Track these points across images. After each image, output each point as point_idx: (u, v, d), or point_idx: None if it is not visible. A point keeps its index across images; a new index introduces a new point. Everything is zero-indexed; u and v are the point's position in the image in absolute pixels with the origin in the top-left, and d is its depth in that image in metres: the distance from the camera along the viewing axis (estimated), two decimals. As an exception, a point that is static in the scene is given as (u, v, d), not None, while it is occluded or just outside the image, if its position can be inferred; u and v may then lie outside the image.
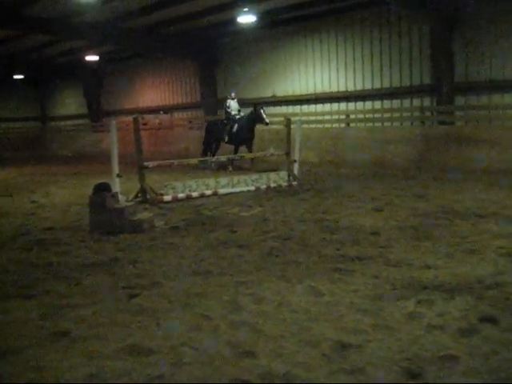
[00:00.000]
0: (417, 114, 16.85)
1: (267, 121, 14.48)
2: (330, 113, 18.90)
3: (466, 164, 13.34)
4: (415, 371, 3.17)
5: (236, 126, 15.52)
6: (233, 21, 18.41)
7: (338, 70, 18.96)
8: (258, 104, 15.70)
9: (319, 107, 19.69)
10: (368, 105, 18.34)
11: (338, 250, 5.93)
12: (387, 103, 17.82)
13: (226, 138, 15.74)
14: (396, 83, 17.47)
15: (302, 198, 9.81)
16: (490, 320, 3.83)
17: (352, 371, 3.18)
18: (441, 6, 15.23)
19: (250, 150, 15.21)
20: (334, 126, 18.33)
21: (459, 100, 15.98)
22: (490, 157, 13.20)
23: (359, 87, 18.47)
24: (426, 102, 16.82)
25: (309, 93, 19.84)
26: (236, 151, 15.51)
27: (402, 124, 17.01)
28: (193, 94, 24.86)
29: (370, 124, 17.61)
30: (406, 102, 17.35)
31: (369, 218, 7.71)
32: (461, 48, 15.57)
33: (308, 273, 5.08)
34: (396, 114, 17.16)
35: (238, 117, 15.90)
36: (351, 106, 18.78)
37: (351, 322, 3.90)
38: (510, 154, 12.92)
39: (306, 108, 20.03)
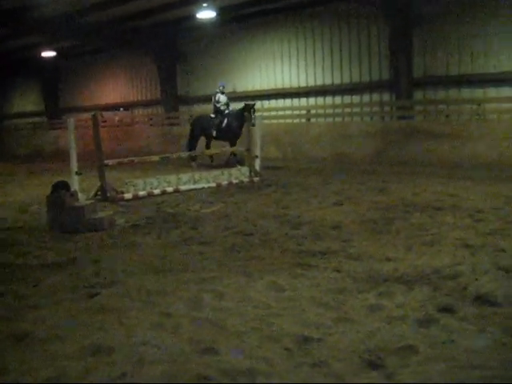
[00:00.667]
0: (376, 108, 17.07)
1: (254, 122, 13.26)
2: (291, 108, 18.99)
3: (424, 157, 13.61)
4: (376, 362, 3.21)
5: (226, 121, 14.91)
6: (192, 16, 18.29)
7: (298, 65, 19.05)
8: (249, 102, 15.10)
9: (280, 102, 19.75)
10: (328, 100, 18.48)
11: (299, 244, 5.96)
12: (347, 98, 18.00)
13: (215, 133, 15.09)
14: (356, 79, 17.66)
15: (264, 193, 9.84)
16: (448, 310, 3.92)
17: (314, 364, 3.20)
18: (399, 3, 15.46)
19: (232, 145, 14.79)
20: (295, 121, 18.42)
21: (417, 95, 16.26)
22: (447, 150, 13.47)
23: (319, 83, 18.59)
24: (386, 97, 17.05)
25: (269, 88, 19.88)
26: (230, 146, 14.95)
27: (362, 119, 17.21)
28: (153, 91, 24.63)
29: (331, 119, 17.75)
30: (366, 97, 17.56)
31: (330, 212, 7.78)
32: (419, 44, 15.84)
33: (270, 268, 5.10)
34: (356, 109, 17.34)
35: (226, 111, 15.27)
36: (312, 101, 18.90)
37: (313, 315, 3.92)
38: (466, 147, 13.22)
39: (266, 103, 20.07)
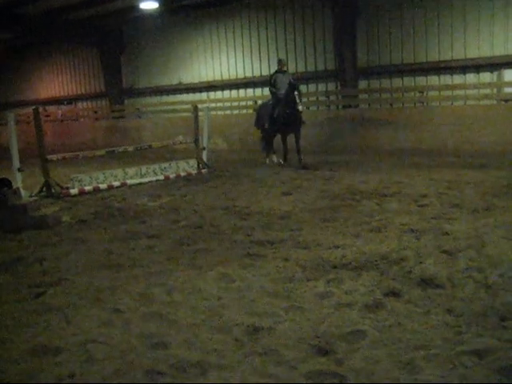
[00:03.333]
0: (322, 98, 17.21)
1: (300, 107, 11.26)
2: (238, 99, 18.95)
3: (370, 145, 13.83)
4: (325, 348, 3.26)
5: (278, 109, 12.06)
6: (136, 7, 17.98)
7: (243, 55, 19.00)
8: (294, 80, 12.34)
9: (226, 93, 19.67)
10: (275, 90, 18.51)
11: (248, 235, 5.97)
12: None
13: (266, 125, 12.40)
14: (301, 68, 17.75)
15: (212, 185, 9.81)
16: (394, 294, 4.02)
17: (264, 353, 3.23)
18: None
19: (297, 143, 11.88)
20: (242, 112, 18.40)
21: (362, 84, 16.48)
22: (392, 138, 13.74)
23: (265, 73, 18.59)
24: (331, 86, 17.20)
25: (216, 79, 19.77)
26: (283, 141, 12.28)
27: (308, 108, 17.30)
28: (97, 84, 24.12)
29: (278, 109, 17.79)
30: (312, 87, 17.67)
31: (278, 202, 7.82)
32: (363, 34, 16.04)
33: (219, 260, 5.09)
34: (302, 99, 17.41)
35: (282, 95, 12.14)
36: (258, 91, 18.90)
37: (263, 305, 3.95)
38: (410, 134, 13.50)
39: (213, 95, 19.97)
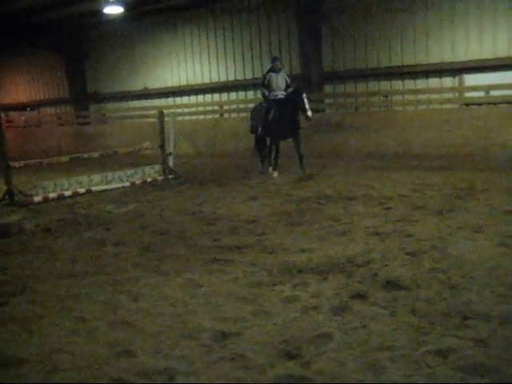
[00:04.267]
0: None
1: (309, 113, 10.25)
2: (204, 104, 18.92)
3: (336, 149, 13.93)
4: (293, 352, 3.28)
5: (273, 113, 10.97)
6: (100, 12, 17.79)
7: (209, 60, 18.98)
8: (299, 83, 11.81)
9: (193, 99, 19.62)
10: (241, 95, 18.56)
11: (215, 240, 5.97)
12: (260, 93, 18.10)
13: (260, 130, 11.25)
14: (267, 73, 17.81)
15: (179, 190, 9.76)
16: (360, 296, 4.06)
17: (232, 359, 3.22)
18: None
19: (297, 148, 10.95)
20: (208, 117, 18.36)
21: (328, 88, 16.62)
22: (357, 142, 13.87)
23: (231, 78, 18.62)
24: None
25: (182, 84, 19.71)
26: (276, 148, 11.09)
27: (274, 113, 17.39)
28: (61, 89, 23.77)
29: (244, 114, 17.83)
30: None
31: (245, 207, 7.83)
32: (328, 38, 16.18)
33: (186, 265, 5.07)
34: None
35: (280, 96, 11.07)
36: (224, 96, 18.91)
37: (230, 310, 3.94)
38: (375, 138, 13.66)
39: (179, 100, 19.90)
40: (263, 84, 11.25)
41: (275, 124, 10.83)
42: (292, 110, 10.50)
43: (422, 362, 3.05)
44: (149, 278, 4.79)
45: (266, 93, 11.18)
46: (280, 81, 11.12)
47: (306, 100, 10.17)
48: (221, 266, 5.01)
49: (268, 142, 11.45)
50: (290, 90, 10.94)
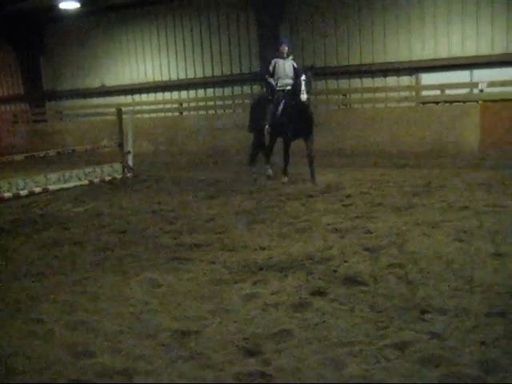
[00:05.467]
0: (247, 101, 17.29)
1: (303, 96, 8.52)
2: (163, 102, 18.77)
3: (296, 147, 13.94)
4: (253, 349, 3.28)
5: (282, 106, 9.34)
6: (56, 7, 17.44)
7: (169, 58, 18.84)
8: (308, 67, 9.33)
9: (152, 96, 19.44)
10: (201, 93, 18.48)
11: (175, 239, 5.93)
12: (219, 91, 18.10)
13: (268, 128, 9.60)
14: (227, 71, 17.79)
15: (138, 189, 9.66)
16: (320, 293, 4.09)
17: (192, 357, 3.21)
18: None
19: (309, 147, 9.40)
20: (167, 115, 18.23)
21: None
22: (317, 139, 13.92)
23: (191, 75, 18.52)
24: (256, 89, 17.33)
25: (141, 82, 19.49)
26: (286, 149, 9.53)
27: (234, 111, 17.39)
28: (15, 86, 23.20)
29: (204, 112, 17.77)
30: (237, 90, 17.75)
31: (205, 205, 7.80)
32: (287, 34, 16.21)
33: (145, 265, 5.02)
34: (228, 101, 17.48)
35: (290, 87, 9.36)
36: (184, 94, 18.80)
37: (190, 309, 3.93)
38: (335, 136, 13.77)
39: (138, 97, 19.69)
40: (268, 72, 9.66)
41: (286, 120, 9.12)
42: (303, 103, 8.69)
43: (381, 355, 3.10)
44: (108, 277, 4.73)
45: (273, 82, 9.59)
46: (288, 68, 9.56)
47: (303, 82, 8.50)
48: (180, 264, 4.98)
49: (268, 142, 10.03)
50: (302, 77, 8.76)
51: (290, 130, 9.17)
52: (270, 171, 10.03)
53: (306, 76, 8.60)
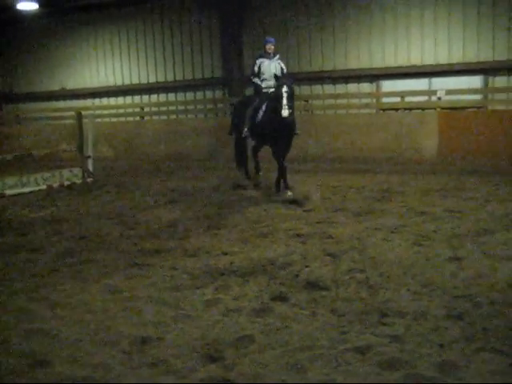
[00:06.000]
0: (210, 106, 17.28)
1: (285, 112, 7.62)
2: (124, 106, 18.58)
3: (259, 153, 14.01)
4: (215, 355, 3.26)
5: (263, 110, 8.57)
6: (13, 8, 17.09)
7: (130, 62, 18.68)
8: (286, 76, 8.67)
9: (113, 100, 19.22)
10: (162, 97, 18.36)
11: (135, 244, 5.86)
12: (181, 95, 18.02)
13: (245, 131, 8.88)
14: (189, 76, 17.73)
15: (98, 194, 9.52)
16: (282, 298, 4.10)
17: (153, 364, 3.17)
18: (228, 2, 15.80)
19: (281, 157, 8.45)
20: (128, 119, 18.05)
21: (249, 92, 16.69)
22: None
23: (153, 80, 18.39)
24: (219, 94, 17.34)
25: (101, 86, 19.25)
26: (255, 153, 9.51)
27: (196, 116, 17.34)
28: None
29: (165, 117, 17.66)
30: (200, 95, 17.71)
31: (166, 210, 7.74)
32: (249, 43, 16.30)
33: (105, 271, 4.95)
34: (190, 107, 17.42)
35: (271, 91, 8.61)
36: (145, 98, 18.65)
37: (151, 315, 3.88)
38: (296, 142, 13.81)
39: (98, 101, 19.44)
40: (253, 72, 8.96)
41: (265, 124, 8.40)
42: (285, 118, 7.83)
43: (342, 359, 3.12)
44: (66, 284, 4.64)
45: (259, 82, 8.89)
46: (274, 69, 8.86)
47: (285, 95, 7.66)
48: (141, 270, 4.93)
49: (250, 146, 9.50)
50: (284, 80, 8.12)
51: (269, 138, 8.47)
52: (246, 181, 9.40)
53: (289, 88, 7.75)
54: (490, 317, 3.64)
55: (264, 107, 8.53)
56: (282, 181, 8.40)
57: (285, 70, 8.98)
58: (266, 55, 8.96)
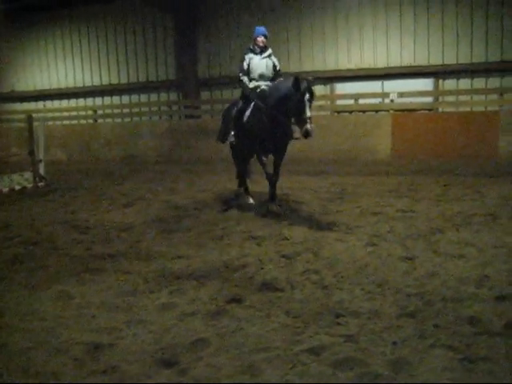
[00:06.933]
0: (165, 108, 17.16)
1: (309, 126, 6.10)
2: (77, 109, 18.26)
3: (213, 156, 14.00)
4: (169, 360, 3.22)
5: (249, 112, 7.32)
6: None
7: (83, 64, 18.40)
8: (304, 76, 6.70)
9: (65, 103, 18.88)
10: (116, 100, 18.15)
11: (88, 249, 5.74)
12: (135, 98, 17.85)
13: (231, 136, 7.70)
14: (143, 78, 17.58)
15: (50, 199, 9.31)
16: (237, 300, 4.08)
17: (105, 371, 3.11)
18: (185, 5, 15.73)
19: (277, 163, 7.42)
20: (82, 122, 17.75)
21: (205, 95, 16.70)
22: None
23: (106, 82, 18.16)
24: (173, 96, 17.24)
25: (53, 88, 18.90)
26: (244, 164, 8.12)
27: (150, 118, 17.20)
28: None
29: (119, 119, 17.45)
30: (154, 97, 17.57)
31: (120, 214, 7.62)
32: (204, 45, 16.28)
33: (57, 277, 4.82)
34: (144, 109, 17.27)
35: (256, 85, 7.44)
36: (98, 101, 18.39)
37: (103, 321, 3.80)
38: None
39: (50, 104, 19.06)
40: (242, 70, 7.55)
41: (252, 129, 7.20)
42: (282, 110, 6.67)
43: (297, 360, 3.12)
44: (16, 291, 4.50)
45: (247, 81, 7.51)
46: (265, 66, 7.55)
47: (308, 104, 6.21)
48: (94, 275, 4.83)
49: (240, 159, 8.19)
50: (281, 79, 7.38)
51: (258, 142, 7.18)
52: (250, 200, 7.95)
53: (311, 94, 6.25)
54: (442, 314, 3.71)
55: (251, 107, 7.26)
56: (270, 192, 7.25)
57: (278, 67, 7.61)
58: (255, 50, 7.55)
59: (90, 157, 15.71)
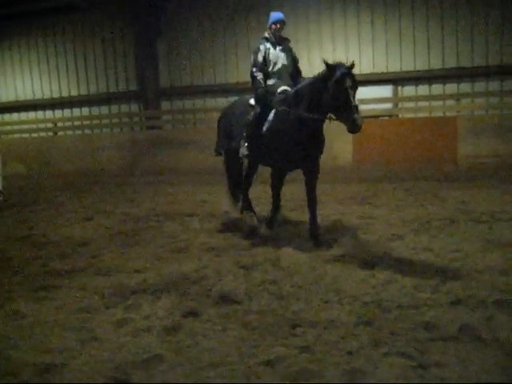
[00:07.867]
0: (125, 119, 17.02)
1: (356, 117, 5.20)
2: (36, 121, 17.95)
3: (175, 166, 13.93)
4: (122, 378, 3.16)
5: (272, 116, 5.99)
6: None
7: (41, 76, 18.10)
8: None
9: (23, 116, 18.53)
10: (76, 112, 17.91)
11: (44, 266, 5.60)
12: (95, 110, 17.64)
13: (244, 149, 6.28)
14: (103, 89, 17.40)
15: (7, 214, 9.09)
16: (193, 314, 4.03)
17: (54, 393, 3.02)
18: (144, 16, 15.67)
19: (311, 183, 6.21)
20: (41, 135, 17.46)
21: (165, 105, 16.62)
22: (197, 157, 13.97)
23: (66, 94, 17.91)
24: (134, 107, 17.10)
25: (9, 100, 18.54)
26: (276, 184, 6.42)
27: (111, 130, 17.02)
28: None
29: (80, 132, 17.22)
30: (115, 108, 17.40)
31: (78, 228, 7.49)
32: (164, 55, 16.24)
33: (9, 296, 4.68)
34: (105, 121, 17.09)
35: (282, 89, 6.05)
36: (58, 113, 18.12)
37: (56, 340, 3.70)
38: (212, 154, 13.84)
39: (7, 117, 18.70)
40: (256, 64, 6.13)
41: (277, 139, 5.89)
42: (316, 108, 5.60)
43: (252, 374, 3.10)
44: (-36, 312, 4.36)
45: (261, 78, 6.11)
46: (285, 60, 6.26)
47: (351, 92, 5.23)
48: (48, 293, 4.71)
49: (246, 171, 7.00)
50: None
51: (281, 156, 5.95)
52: (254, 220, 6.76)
53: (353, 80, 5.26)
54: (397, 321, 3.72)
55: (272, 114, 5.97)
56: (311, 221, 6.04)
57: (298, 63, 6.46)
58: (271, 39, 6.22)
59: (50, 170, 15.44)
